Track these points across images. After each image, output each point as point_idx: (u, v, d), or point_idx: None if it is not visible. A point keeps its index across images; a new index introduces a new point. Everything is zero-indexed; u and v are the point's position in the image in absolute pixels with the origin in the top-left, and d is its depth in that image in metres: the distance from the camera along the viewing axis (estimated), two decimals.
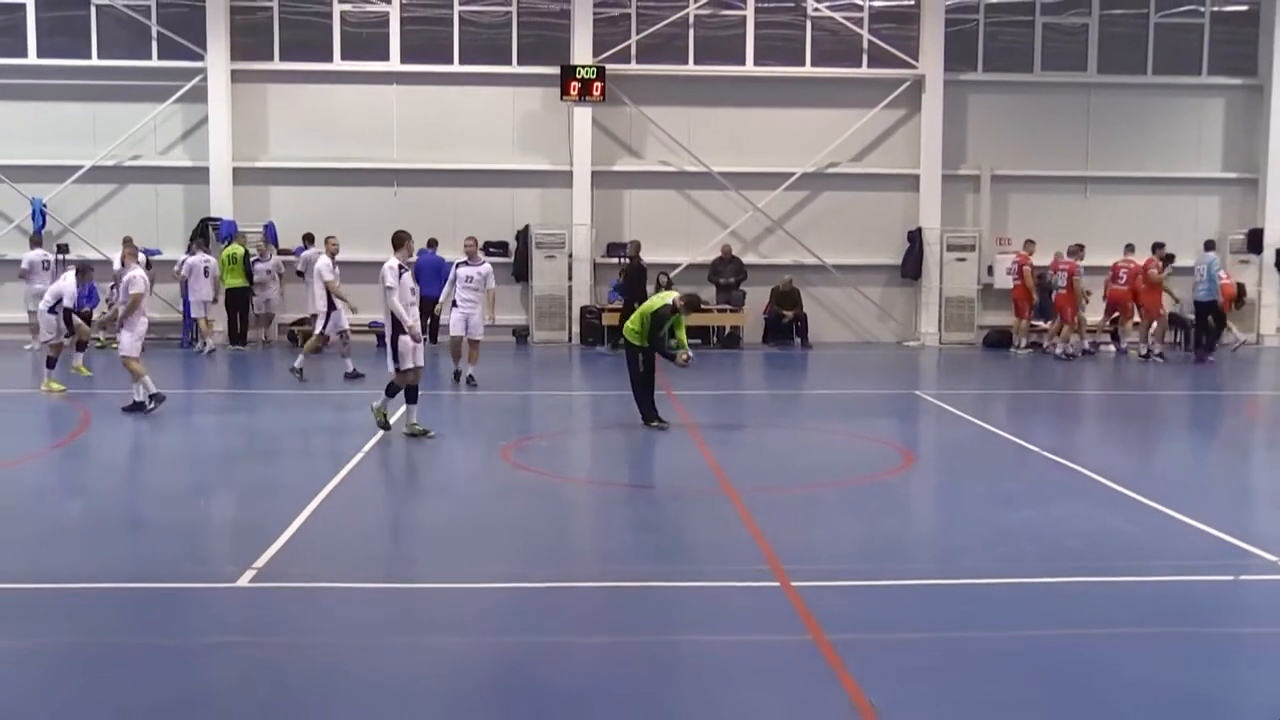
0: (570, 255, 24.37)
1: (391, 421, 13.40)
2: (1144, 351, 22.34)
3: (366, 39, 24.62)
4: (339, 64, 24.49)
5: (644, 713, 6.12)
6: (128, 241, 19.52)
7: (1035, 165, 25.36)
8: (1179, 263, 23.20)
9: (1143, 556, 8.96)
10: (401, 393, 13.30)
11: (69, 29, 24.16)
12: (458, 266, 17.52)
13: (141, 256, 22.39)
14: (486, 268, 17.76)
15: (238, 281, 22.71)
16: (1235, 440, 15.59)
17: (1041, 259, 23.70)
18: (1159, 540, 9.48)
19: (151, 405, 14.73)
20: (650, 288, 21.25)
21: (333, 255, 18.70)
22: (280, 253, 23.67)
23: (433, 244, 22.02)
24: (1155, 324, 22.59)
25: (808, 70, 24.97)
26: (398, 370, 13.15)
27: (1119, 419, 17.03)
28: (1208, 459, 14.13)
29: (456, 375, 17.79)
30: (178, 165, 24.51)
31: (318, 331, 18.20)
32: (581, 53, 24.22)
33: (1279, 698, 6.36)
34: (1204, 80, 25.56)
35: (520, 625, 7.42)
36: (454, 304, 17.59)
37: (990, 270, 25.35)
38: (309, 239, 23.16)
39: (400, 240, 13.56)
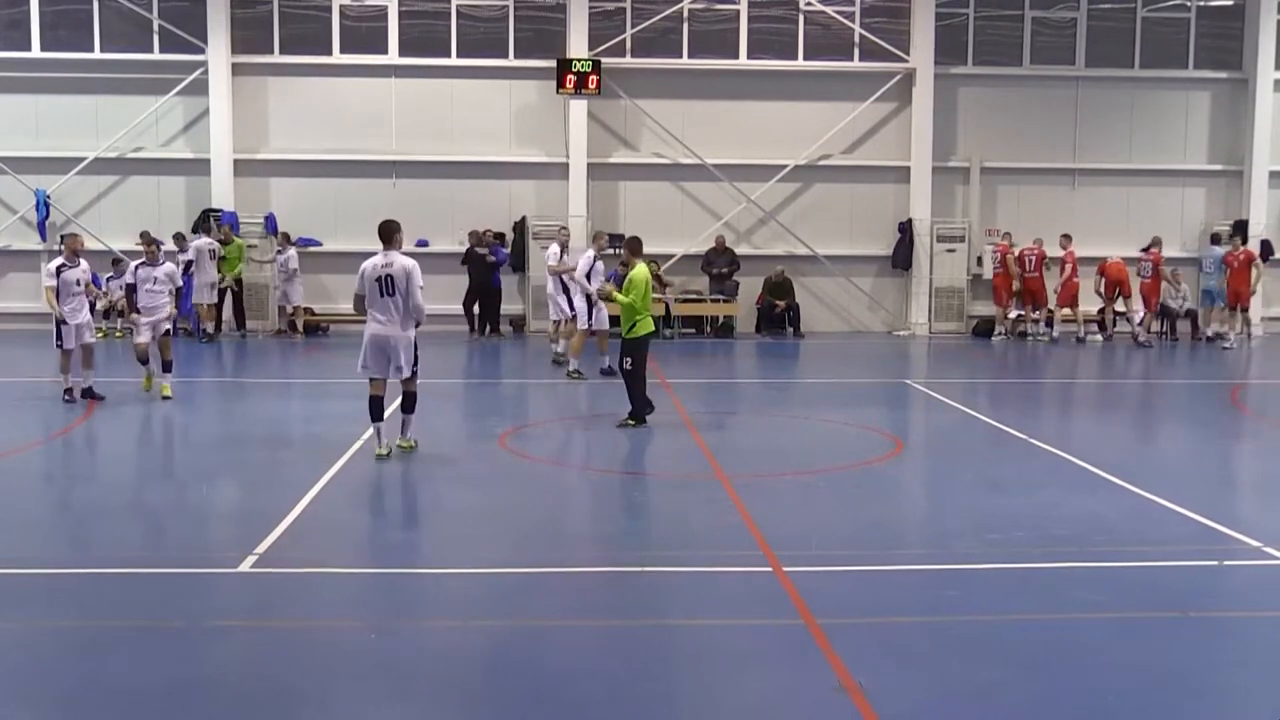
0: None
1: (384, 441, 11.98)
2: None
3: (365, 32, 24.79)
4: (338, 57, 24.67)
5: (638, 693, 6.20)
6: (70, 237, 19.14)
7: (1024, 157, 25.59)
8: (1165, 253, 23.55)
9: (1129, 542, 9.05)
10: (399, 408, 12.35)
11: (71, 23, 24.36)
12: (596, 259, 17.51)
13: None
14: None
15: None
16: (1230, 428, 15.41)
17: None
18: (1145, 526, 9.57)
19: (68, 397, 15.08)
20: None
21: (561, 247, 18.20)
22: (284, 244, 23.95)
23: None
24: None
25: (800, 64, 25.19)
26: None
27: (1108, 408, 17.08)
28: (1197, 446, 14.07)
29: (577, 371, 17.59)
30: (179, 157, 24.70)
31: (581, 326, 17.70)
32: (577, 46, 24.40)
33: (1263, 680, 6.47)
34: (1190, 74, 25.81)
35: (516, 609, 7.52)
36: (587, 297, 17.49)
37: (980, 260, 25.62)
38: (199, 228, 23.53)
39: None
